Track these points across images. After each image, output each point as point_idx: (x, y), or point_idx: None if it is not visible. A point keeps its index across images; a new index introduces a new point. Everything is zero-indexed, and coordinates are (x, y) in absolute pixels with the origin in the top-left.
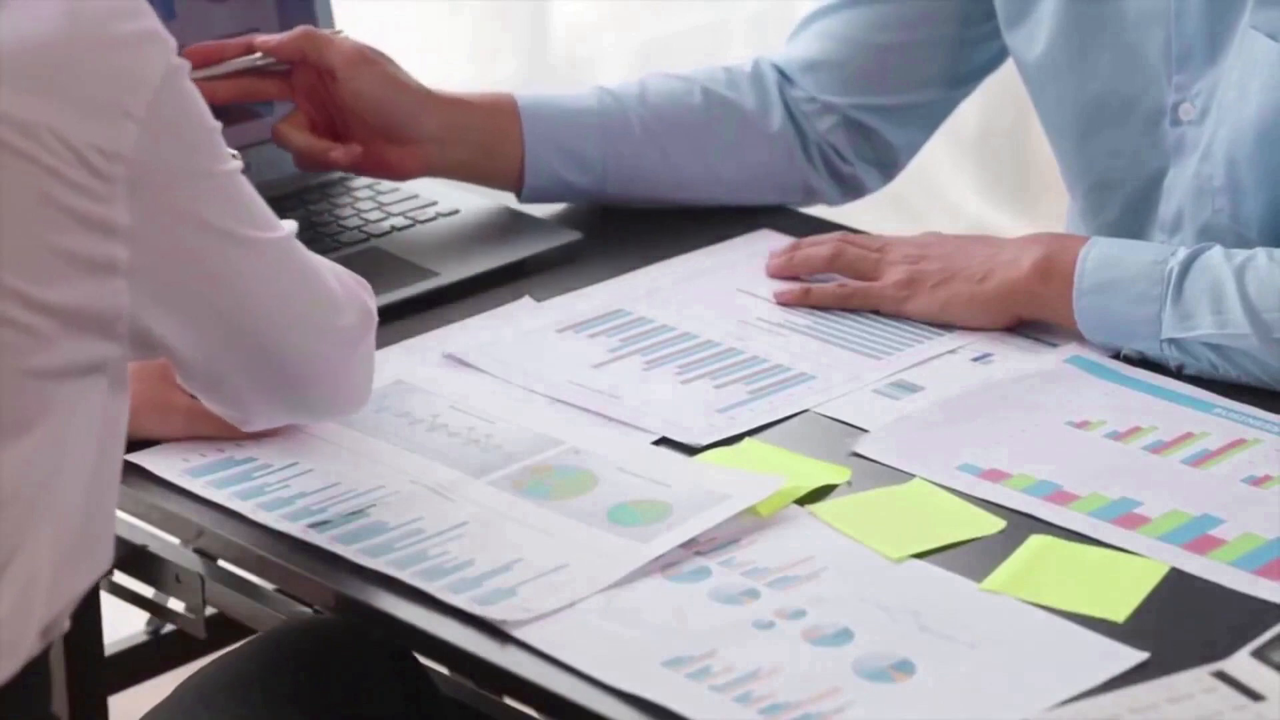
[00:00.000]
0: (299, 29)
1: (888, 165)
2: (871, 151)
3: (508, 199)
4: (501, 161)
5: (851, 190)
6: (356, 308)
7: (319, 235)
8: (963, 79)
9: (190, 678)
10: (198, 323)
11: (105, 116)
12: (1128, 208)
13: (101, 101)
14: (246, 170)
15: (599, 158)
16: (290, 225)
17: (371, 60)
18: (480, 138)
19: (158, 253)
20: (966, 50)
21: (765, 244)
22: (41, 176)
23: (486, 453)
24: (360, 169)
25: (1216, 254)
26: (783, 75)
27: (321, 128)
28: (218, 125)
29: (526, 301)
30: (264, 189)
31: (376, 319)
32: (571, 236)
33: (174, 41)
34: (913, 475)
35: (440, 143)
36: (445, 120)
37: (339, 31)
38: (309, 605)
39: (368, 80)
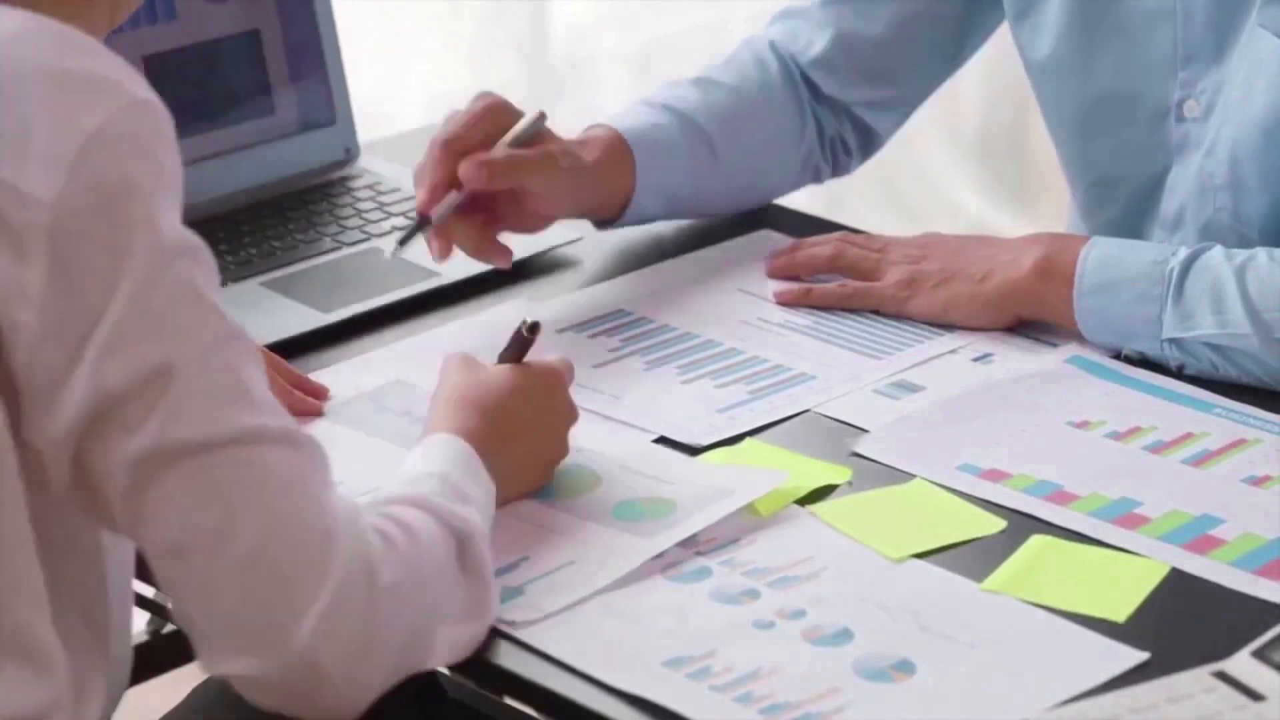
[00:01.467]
0: (509, 159)
1: (872, 149)
2: (860, 140)
3: None
4: (608, 208)
5: (837, 171)
6: (346, 555)
7: (319, 235)
8: (960, 61)
9: (205, 682)
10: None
11: (25, 157)
12: (1129, 204)
13: (25, 139)
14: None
15: (678, 194)
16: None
17: (555, 160)
18: (601, 190)
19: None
20: (965, 34)
21: (765, 244)
22: None
23: None
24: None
25: (1217, 254)
26: (801, 71)
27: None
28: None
29: (526, 301)
30: (263, 190)
31: (389, 586)
32: (572, 236)
33: (141, 95)
34: (913, 475)
35: (578, 207)
36: (589, 194)
37: (540, 118)
38: None
39: (557, 188)
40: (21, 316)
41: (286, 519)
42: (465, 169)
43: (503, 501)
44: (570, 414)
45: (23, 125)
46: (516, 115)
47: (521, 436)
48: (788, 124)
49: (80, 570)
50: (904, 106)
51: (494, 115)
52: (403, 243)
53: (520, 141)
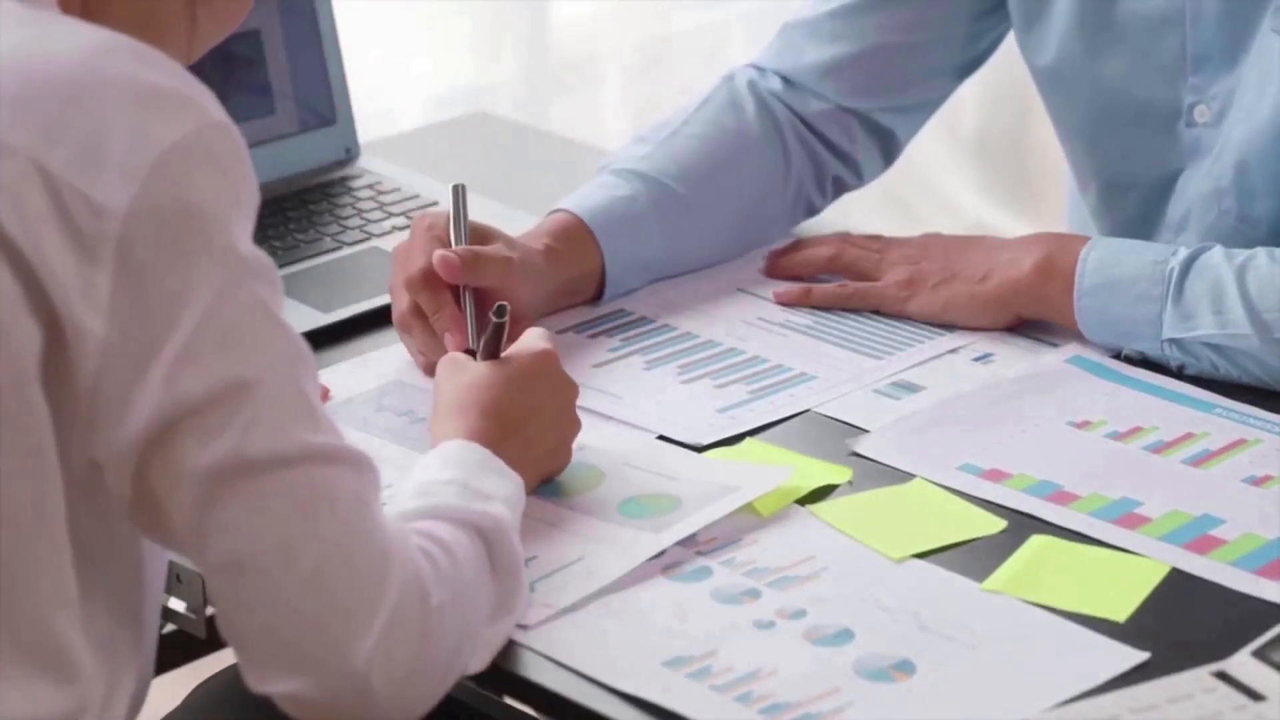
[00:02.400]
0: (469, 253)
1: (894, 154)
2: (881, 155)
3: (507, 200)
4: (580, 293)
5: (839, 194)
6: (401, 577)
7: (319, 235)
8: (971, 67)
9: (205, 682)
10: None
11: (100, 166)
12: (1140, 207)
13: (101, 148)
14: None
15: (656, 261)
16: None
17: (516, 261)
18: (560, 277)
19: (137, 340)
20: (975, 41)
21: (765, 244)
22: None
23: None
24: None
25: (1217, 254)
26: (792, 86)
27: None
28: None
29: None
30: (263, 190)
31: (438, 607)
32: None
33: (219, 118)
34: (913, 475)
35: (550, 297)
36: (554, 283)
37: (457, 191)
38: None
39: (522, 286)
40: (91, 323)
41: (349, 540)
42: (437, 263)
43: (531, 488)
44: (569, 389)
45: (100, 134)
46: (445, 216)
47: (527, 424)
48: (769, 172)
49: (119, 580)
50: (918, 110)
51: (431, 228)
52: None
53: (462, 228)
